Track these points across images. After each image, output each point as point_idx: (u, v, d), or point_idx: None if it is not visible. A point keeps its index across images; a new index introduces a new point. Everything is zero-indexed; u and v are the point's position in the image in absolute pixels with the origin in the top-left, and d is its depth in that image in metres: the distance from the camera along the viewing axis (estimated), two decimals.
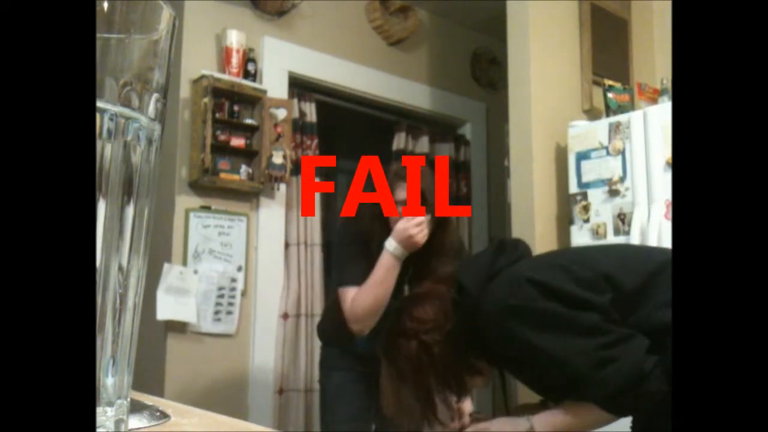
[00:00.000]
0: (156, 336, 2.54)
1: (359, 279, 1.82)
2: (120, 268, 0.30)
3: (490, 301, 1.27)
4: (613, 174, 2.40)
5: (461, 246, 2.07)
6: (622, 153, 2.39)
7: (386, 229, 1.84)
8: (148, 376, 2.53)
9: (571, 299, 1.19)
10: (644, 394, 1.14)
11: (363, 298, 1.80)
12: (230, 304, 2.68)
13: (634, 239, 2.28)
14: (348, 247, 1.92)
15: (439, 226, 1.85)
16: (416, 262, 1.85)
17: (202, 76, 2.61)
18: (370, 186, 1.92)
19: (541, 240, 2.55)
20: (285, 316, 2.84)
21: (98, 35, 0.28)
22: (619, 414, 1.24)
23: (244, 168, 2.73)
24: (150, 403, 0.43)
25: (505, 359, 1.36)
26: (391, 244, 1.78)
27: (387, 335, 1.42)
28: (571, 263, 1.26)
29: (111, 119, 0.29)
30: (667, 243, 2.17)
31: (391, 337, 1.40)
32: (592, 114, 2.81)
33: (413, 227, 1.75)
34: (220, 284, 2.66)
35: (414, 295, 1.49)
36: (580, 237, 2.48)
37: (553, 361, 1.19)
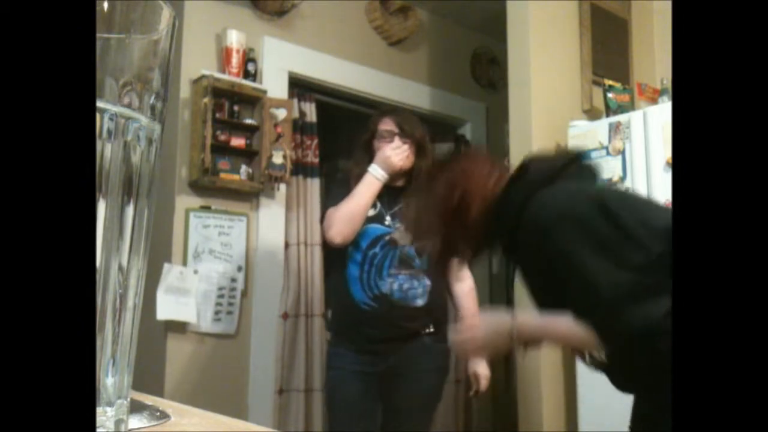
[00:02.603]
0: (156, 336, 2.54)
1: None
2: (120, 268, 0.30)
3: (547, 196, 1.23)
4: (613, 174, 2.40)
5: None
6: (622, 153, 2.39)
7: (370, 161, 2.10)
8: (148, 376, 2.53)
9: (629, 231, 1.15)
10: (649, 353, 1.09)
11: (342, 206, 2.04)
12: (230, 304, 2.68)
13: None
14: (337, 186, 2.18)
15: (419, 156, 2.05)
16: (403, 192, 2.09)
17: (202, 76, 2.61)
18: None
19: None
20: (285, 316, 2.84)
21: (98, 35, 0.28)
22: (610, 359, 1.17)
23: (244, 168, 2.73)
24: (150, 403, 0.43)
25: (529, 260, 1.31)
26: (372, 167, 2.04)
27: (436, 170, 1.42)
28: (641, 204, 1.25)
29: (111, 119, 0.29)
30: None
31: (441, 175, 1.38)
32: (592, 114, 2.81)
33: (389, 150, 2.03)
34: (220, 284, 2.66)
35: (474, 155, 1.47)
36: None
37: (584, 280, 1.14)
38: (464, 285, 2.22)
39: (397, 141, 2.04)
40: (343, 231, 2.00)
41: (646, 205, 1.32)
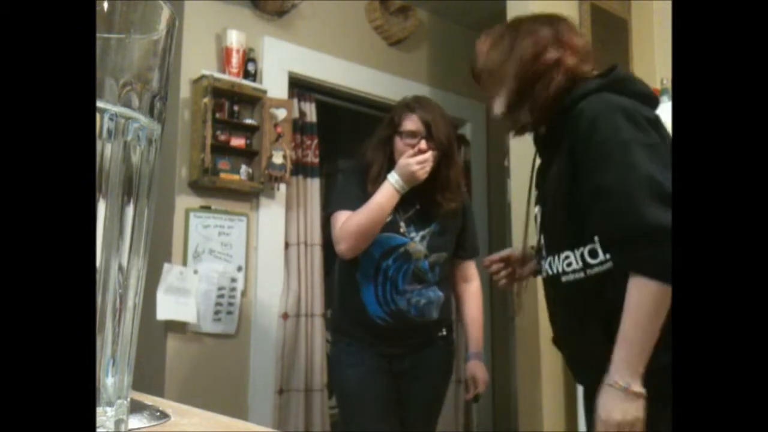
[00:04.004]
0: (156, 336, 2.54)
1: (354, 207, 1.89)
2: (120, 268, 0.30)
3: (615, 97, 1.24)
4: None
5: (462, 184, 2.12)
6: None
7: (390, 160, 1.95)
8: (148, 376, 2.53)
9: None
10: (645, 255, 1.09)
11: (356, 218, 1.86)
12: (230, 304, 2.68)
13: None
14: (348, 179, 2.02)
15: (443, 162, 1.94)
16: (420, 196, 1.94)
17: (202, 76, 2.61)
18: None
19: None
20: (285, 316, 2.84)
21: (98, 35, 0.28)
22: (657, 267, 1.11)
23: (244, 168, 2.73)
24: (150, 403, 0.43)
25: (569, 145, 1.28)
26: (393, 176, 1.85)
27: (525, 25, 1.40)
28: None
29: (111, 119, 0.29)
30: None
31: (531, 32, 1.36)
32: None
33: (415, 164, 1.84)
34: (220, 284, 2.66)
35: (569, 24, 1.45)
36: None
37: (627, 167, 1.14)
38: (471, 286, 2.18)
39: (423, 153, 1.86)
40: (355, 247, 1.87)
41: None
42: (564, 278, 1.29)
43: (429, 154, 1.87)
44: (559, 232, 1.31)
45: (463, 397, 2.21)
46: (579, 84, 1.31)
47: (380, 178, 1.92)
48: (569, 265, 1.28)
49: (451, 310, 2.14)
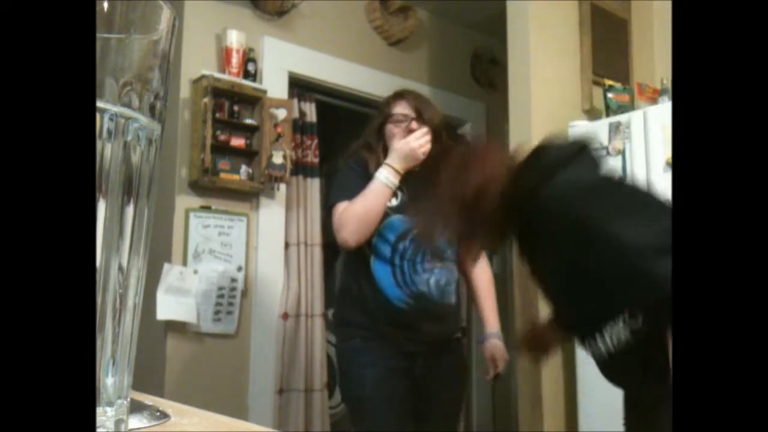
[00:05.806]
0: (156, 336, 2.54)
1: (353, 197, 1.88)
2: (120, 268, 0.30)
3: (568, 177, 1.24)
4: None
5: None
6: (622, 153, 2.39)
7: (385, 148, 1.95)
8: (148, 376, 2.53)
9: (648, 199, 1.20)
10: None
11: (354, 205, 1.85)
12: (230, 304, 2.68)
13: None
14: (346, 174, 1.99)
15: (434, 143, 1.95)
16: (420, 180, 1.91)
17: (202, 76, 2.61)
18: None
19: None
20: (285, 316, 2.84)
21: (98, 35, 0.28)
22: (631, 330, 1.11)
23: (244, 168, 2.73)
24: (150, 403, 0.43)
25: (547, 242, 1.27)
26: (382, 172, 1.84)
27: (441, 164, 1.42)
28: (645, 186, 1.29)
29: (111, 119, 0.29)
30: None
31: (449, 169, 1.39)
32: (592, 114, 2.81)
33: (414, 140, 1.85)
34: (220, 284, 2.66)
35: (477, 145, 1.48)
36: None
37: (611, 239, 1.12)
38: (484, 274, 2.12)
39: (419, 130, 1.87)
40: (356, 232, 1.83)
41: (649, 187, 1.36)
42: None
43: (426, 130, 1.87)
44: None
45: (483, 378, 2.17)
46: (524, 177, 1.32)
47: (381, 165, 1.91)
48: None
49: (463, 308, 2.10)
